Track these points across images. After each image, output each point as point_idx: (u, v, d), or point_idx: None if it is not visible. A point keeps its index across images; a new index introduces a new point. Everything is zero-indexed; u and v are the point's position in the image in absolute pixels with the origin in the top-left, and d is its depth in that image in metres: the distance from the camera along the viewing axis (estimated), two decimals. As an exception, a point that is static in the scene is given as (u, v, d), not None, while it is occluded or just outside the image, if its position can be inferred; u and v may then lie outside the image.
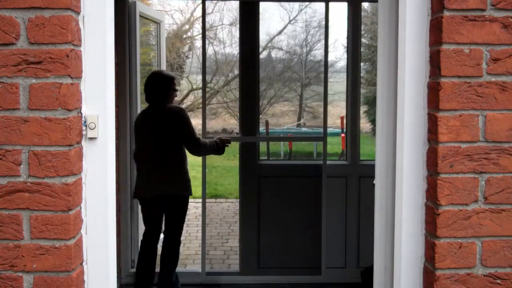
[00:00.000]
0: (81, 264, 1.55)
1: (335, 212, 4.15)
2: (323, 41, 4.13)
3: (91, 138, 1.55)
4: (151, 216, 3.75)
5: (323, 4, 4.08)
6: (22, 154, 1.45)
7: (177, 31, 15.98)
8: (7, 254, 1.47)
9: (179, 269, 4.65)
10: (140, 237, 4.39)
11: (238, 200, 4.57)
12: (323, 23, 4.10)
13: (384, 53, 1.74)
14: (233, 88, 16.24)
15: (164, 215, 3.76)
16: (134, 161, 3.83)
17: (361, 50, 4.38)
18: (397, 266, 1.61)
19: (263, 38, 16.80)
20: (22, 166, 1.46)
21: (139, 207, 4.39)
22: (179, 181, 3.66)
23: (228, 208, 7.59)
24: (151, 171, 3.62)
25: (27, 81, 1.44)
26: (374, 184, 1.87)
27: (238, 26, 4.49)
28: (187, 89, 16.16)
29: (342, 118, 12.75)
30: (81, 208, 1.54)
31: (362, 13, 4.48)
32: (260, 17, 4.13)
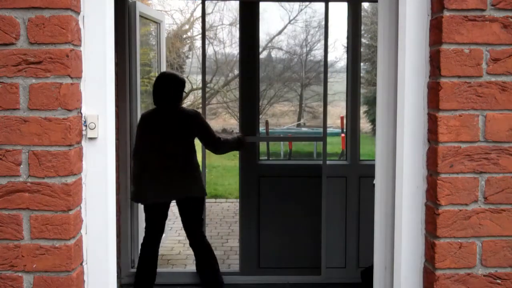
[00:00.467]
0: (81, 264, 1.55)
1: (335, 212, 4.15)
2: (323, 41, 4.13)
3: (91, 138, 1.55)
4: (159, 221, 3.70)
5: (323, 4, 4.08)
6: (22, 154, 1.45)
7: (177, 31, 15.98)
8: (7, 254, 1.47)
9: (179, 269, 4.66)
10: (140, 237, 4.39)
11: (238, 200, 4.57)
12: (323, 23, 4.10)
13: (384, 53, 1.74)
14: (233, 88, 16.24)
15: (183, 218, 3.73)
16: (134, 161, 3.70)
17: (361, 50, 4.38)
18: (397, 266, 1.61)
19: (263, 38, 16.78)
20: (22, 166, 1.46)
21: (138, 207, 4.40)
22: (197, 183, 3.66)
23: (228, 208, 7.59)
24: (163, 174, 3.54)
25: (27, 81, 1.44)
26: (374, 184, 1.87)
27: (238, 26, 4.49)
28: (187, 89, 16.16)
29: (342, 118, 12.75)
30: (81, 208, 1.54)
31: (362, 13, 4.47)
32: (260, 17, 4.13)
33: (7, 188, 1.46)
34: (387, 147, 1.76)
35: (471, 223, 1.51)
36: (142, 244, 3.76)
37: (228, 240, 5.85)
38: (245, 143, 3.93)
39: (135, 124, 4.20)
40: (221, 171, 10.84)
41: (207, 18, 16.61)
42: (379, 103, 1.78)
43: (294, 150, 13.62)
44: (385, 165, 1.77)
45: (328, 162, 4.12)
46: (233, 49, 16.52)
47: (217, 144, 3.70)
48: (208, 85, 14.08)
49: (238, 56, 4.35)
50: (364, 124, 15.40)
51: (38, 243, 1.47)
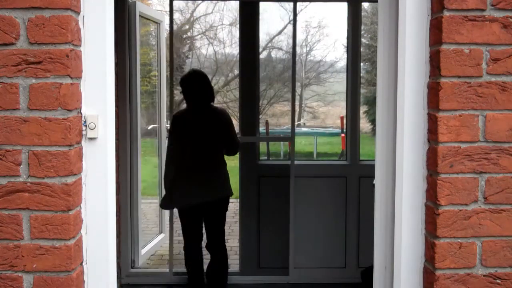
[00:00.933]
0: (81, 264, 1.55)
1: (335, 212, 4.15)
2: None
3: (91, 138, 1.55)
4: (198, 223, 3.63)
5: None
6: (22, 154, 1.45)
7: (177, 31, 15.98)
8: (7, 254, 1.47)
9: (179, 269, 4.66)
10: (140, 237, 4.40)
11: (238, 200, 4.57)
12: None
13: (384, 53, 1.74)
14: (233, 88, 16.24)
15: (209, 219, 3.67)
16: (172, 166, 3.54)
17: (361, 50, 4.38)
18: (397, 266, 1.61)
19: (263, 38, 16.81)
20: (22, 166, 1.46)
21: (138, 207, 4.40)
22: (228, 182, 3.67)
23: (228, 208, 7.57)
24: (204, 175, 3.51)
25: (27, 81, 1.44)
26: (374, 184, 1.87)
27: (238, 26, 4.49)
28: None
29: (342, 118, 12.75)
30: (81, 208, 1.54)
31: (362, 13, 4.47)
32: (260, 17, 4.14)
33: (7, 188, 1.46)
34: (387, 147, 1.76)
35: (471, 223, 1.51)
36: (187, 251, 3.70)
37: (228, 240, 5.85)
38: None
39: (135, 124, 4.21)
40: (221, 171, 10.81)
41: (207, 18, 16.65)
42: (379, 103, 1.78)
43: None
44: (385, 165, 1.77)
45: (328, 162, 4.12)
46: (233, 49, 16.53)
47: (236, 146, 3.68)
48: (208, 85, 14.02)
49: (238, 56, 4.35)
50: (364, 124, 15.41)
51: (38, 243, 1.47)
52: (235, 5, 16.73)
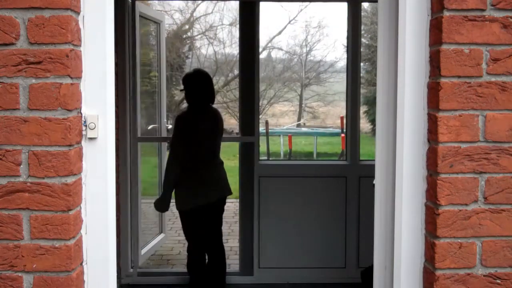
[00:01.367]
0: (81, 264, 1.55)
1: (335, 212, 4.15)
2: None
3: (91, 138, 1.55)
4: (202, 224, 3.61)
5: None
6: (22, 154, 1.45)
7: (177, 31, 15.98)
8: (7, 254, 1.47)
9: (178, 269, 4.66)
10: (140, 237, 4.40)
11: (238, 200, 4.57)
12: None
13: (384, 53, 1.74)
14: (233, 88, 16.24)
15: (209, 220, 3.65)
16: (177, 166, 3.48)
17: (361, 50, 4.38)
18: (397, 266, 1.61)
19: (263, 38, 16.82)
20: (22, 166, 1.46)
21: (138, 207, 4.40)
22: (227, 181, 3.70)
23: (228, 208, 7.56)
24: (207, 176, 3.52)
25: (27, 81, 1.44)
26: (374, 184, 1.87)
27: (238, 26, 4.49)
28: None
29: (342, 118, 12.76)
30: (81, 208, 1.54)
31: (362, 13, 4.47)
32: (260, 17, 4.13)
33: (7, 188, 1.46)
34: (387, 147, 1.76)
35: (471, 223, 1.51)
36: (192, 254, 3.69)
37: (228, 240, 5.85)
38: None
39: (135, 124, 4.21)
40: (221, 171, 10.81)
41: (207, 18, 16.65)
42: (379, 103, 1.78)
43: (294, 150, 13.63)
44: (385, 165, 1.77)
45: (328, 162, 4.12)
46: (233, 49, 16.54)
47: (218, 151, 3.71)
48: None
49: (238, 56, 4.34)
50: (364, 124, 15.42)
51: (38, 243, 1.47)
52: (235, 5, 16.73)
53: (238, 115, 3.98)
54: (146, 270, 4.49)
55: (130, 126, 4.16)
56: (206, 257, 3.74)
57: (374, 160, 1.85)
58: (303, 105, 18.93)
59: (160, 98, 4.86)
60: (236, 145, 7.87)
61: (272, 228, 4.16)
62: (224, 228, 6.34)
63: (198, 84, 3.54)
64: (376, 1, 1.88)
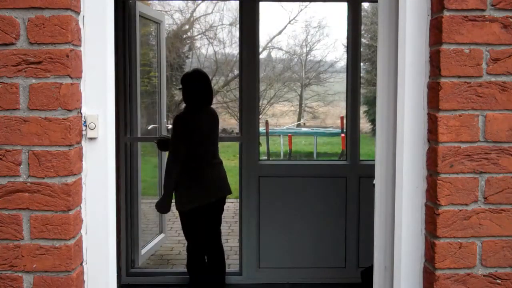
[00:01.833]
0: (81, 264, 1.55)
1: (335, 212, 4.15)
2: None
3: (91, 138, 1.55)
4: (203, 224, 3.62)
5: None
6: (22, 154, 1.45)
7: (177, 31, 15.98)
8: (7, 254, 1.47)
9: (178, 269, 4.66)
10: (140, 237, 4.40)
11: (238, 200, 4.57)
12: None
13: (384, 53, 1.74)
14: (233, 88, 16.24)
15: (209, 220, 3.66)
16: (178, 167, 3.48)
17: (361, 50, 4.38)
18: (397, 266, 1.61)
19: (263, 38, 16.80)
20: (22, 166, 1.46)
21: (139, 207, 4.40)
22: (227, 181, 3.72)
23: (228, 208, 7.57)
24: (208, 175, 3.54)
25: (27, 81, 1.44)
26: (374, 184, 1.87)
27: (238, 26, 4.49)
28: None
29: (342, 118, 12.77)
30: (81, 208, 1.54)
31: (362, 13, 4.47)
32: (260, 17, 4.13)
33: (7, 188, 1.46)
34: (387, 147, 1.76)
35: (471, 223, 1.51)
36: (191, 254, 3.69)
37: (228, 240, 5.85)
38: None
39: (135, 124, 4.21)
40: (221, 171, 10.80)
41: (207, 18, 16.65)
42: (379, 103, 1.78)
43: (294, 150, 13.62)
44: (385, 165, 1.77)
45: (328, 162, 4.12)
46: (233, 49, 16.54)
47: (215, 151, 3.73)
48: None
49: (238, 56, 4.34)
50: (364, 124, 15.41)
51: (38, 243, 1.47)
52: (235, 5, 16.73)
53: (238, 115, 3.97)
54: (146, 270, 4.49)
55: (130, 126, 4.16)
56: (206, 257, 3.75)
57: (374, 160, 1.85)
58: (303, 105, 18.92)
59: (160, 98, 4.86)
60: (236, 145, 7.87)
61: (272, 228, 4.16)
62: (224, 228, 6.36)
63: (196, 84, 3.55)
64: (376, 1, 1.88)
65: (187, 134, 3.46)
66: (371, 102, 15.23)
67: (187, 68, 16.43)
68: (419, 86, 1.55)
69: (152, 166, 5.23)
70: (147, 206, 5.35)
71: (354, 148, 4.23)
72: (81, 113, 1.53)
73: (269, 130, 13.44)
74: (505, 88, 1.49)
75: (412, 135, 1.56)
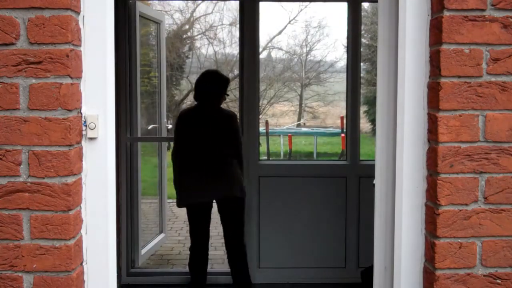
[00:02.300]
0: (81, 264, 1.55)
1: (335, 212, 4.15)
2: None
3: (91, 138, 1.55)
4: (204, 223, 3.64)
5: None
6: (22, 154, 1.45)
7: (177, 31, 15.98)
8: (7, 254, 1.47)
9: (178, 269, 4.66)
10: (140, 237, 4.40)
11: (238, 200, 4.56)
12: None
13: (384, 53, 1.74)
14: (233, 88, 16.24)
15: (222, 219, 3.68)
16: (177, 161, 3.60)
17: (361, 50, 4.38)
18: (397, 266, 1.61)
19: (263, 38, 16.81)
20: (22, 166, 1.46)
21: (139, 207, 4.40)
22: (236, 183, 3.63)
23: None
24: (204, 173, 3.53)
25: (27, 81, 1.44)
26: (374, 184, 1.87)
27: (238, 26, 4.49)
28: (187, 89, 16.17)
29: (342, 118, 12.77)
30: (81, 208, 1.54)
31: (362, 13, 4.47)
32: (260, 17, 4.13)
33: (7, 188, 1.46)
34: (387, 147, 1.76)
35: (471, 223, 1.51)
36: (192, 251, 3.69)
37: (228, 240, 5.84)
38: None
39: (135, 124, 4.21)
40: (221, 171, 10.79)
41: (207, 18, 16.65)
42: (379, 103, 1.78)
43: (294, 150, 13.62)
44: (385, 165, 1.77)
45: (328, 162, 4.12)
46: (233, 49, 16.54)
47: (241, 152, 3.70)
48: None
49: (238, 56, 4.34)
50: (364, 124, 15.42)
51: (38, 243, 1.47)
52: (235, 5, 16.74)
53: (238, 115, 3.97)
54: (146, 270, 4.49)
55: (130, 126, 4.16)
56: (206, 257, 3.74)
57: (374, 160, 1.85)
58: (303, 105, 18.93)
59: (160, 98, 4.86)
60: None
61: (272, 228, 4.16)
62: (224, 228, 6.37)
63: (203, 83, 3.59)
64: (376, 1, 1.88)
65: (185, 129, 3.54)
66: (371, 102, 15.24)
67: (187, 68, 16.44)
68: (419, 86, 1.55)
69: (152, 166, 5.23)
70: (147, 206, 5.35)
71: (354, 148, 4.23)
72: (81, 113, 1.53)
73: (269, 130, 13.45)
74: (505, 88, 1.49)
75: (412, 135, 1.56)
